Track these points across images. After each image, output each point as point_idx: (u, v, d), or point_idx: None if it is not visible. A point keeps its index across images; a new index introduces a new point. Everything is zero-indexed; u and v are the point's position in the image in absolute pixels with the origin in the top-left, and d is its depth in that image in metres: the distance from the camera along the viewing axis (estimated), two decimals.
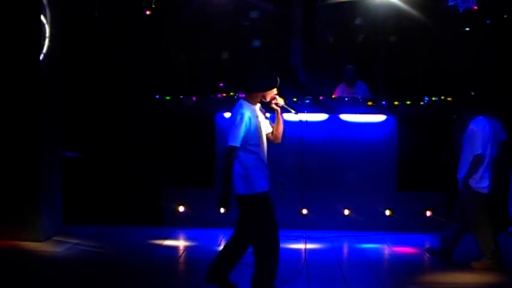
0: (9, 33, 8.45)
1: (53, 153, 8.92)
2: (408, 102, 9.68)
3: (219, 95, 9.71)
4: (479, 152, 7.65)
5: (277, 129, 6.42)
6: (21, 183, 8.50)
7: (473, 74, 9.94)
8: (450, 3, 9.73)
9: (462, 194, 7.80)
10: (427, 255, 8.28)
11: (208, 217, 9.74)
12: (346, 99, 9.79)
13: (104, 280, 7.07)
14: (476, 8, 9.59)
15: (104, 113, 9.92)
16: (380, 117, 9.76)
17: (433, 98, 9.73)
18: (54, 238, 8.69)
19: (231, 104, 9.54)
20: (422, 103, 9.70)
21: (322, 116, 9.68)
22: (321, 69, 11.08)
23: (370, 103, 9.70)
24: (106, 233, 9.23)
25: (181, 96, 9.78)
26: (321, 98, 9.69)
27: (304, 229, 9.25)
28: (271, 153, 9.66)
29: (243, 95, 6.41)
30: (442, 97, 9.74)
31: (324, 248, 8.72)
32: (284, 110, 6.45)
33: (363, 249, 8.73)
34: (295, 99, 9.50)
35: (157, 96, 9.80)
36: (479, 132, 7.72)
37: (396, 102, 9.68)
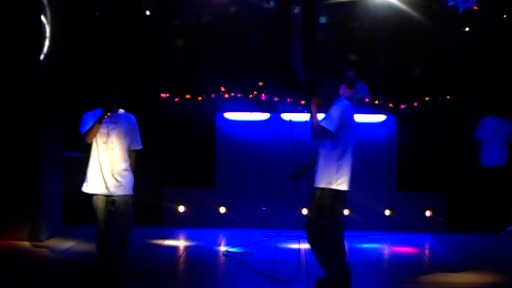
0: (9, 34, 8.45)
1: (53, 153, 8.92)
2: (408, 102, 9.68)
3: (219, 95, 9.71)
4: None
5: None
6: (21, 183, 8.49)
7: (473, 74, 9.94)
8: (450, 3, 9.72)
9: None
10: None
11: (208, 217, 9.75)
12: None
13: (104, 280, 7.07)
14: (476, 8, 9.58)
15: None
16: (380, 117, 9.76)
17: (433, 98, 9.73)
18: (54, 238, 8.69)
19: (231, 104, 9.70)
20: (422, 103, 9.70)
21: (322, 116, 9.64)
22: (320, 69, 11.06)
23: (370, 103, 9.70)
24: None
25: (181, 96, 9.78)
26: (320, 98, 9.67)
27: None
28: (271, 153, 9.77)
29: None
30: (442, 97, 9.74)
31: None
32: None
33: (363, 249, 8.72)
34: (293, 100, 9.50)
35: (158, 96, 9.80)
36: None
37: (396, 103, 9.68)
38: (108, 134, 6.82)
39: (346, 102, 6.61)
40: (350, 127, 6.47)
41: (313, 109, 6.57)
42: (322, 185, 6.41)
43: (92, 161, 6.87)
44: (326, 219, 6.42)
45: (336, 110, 6.43)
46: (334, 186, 6.38)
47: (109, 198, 6.88)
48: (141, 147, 7.07)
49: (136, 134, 7.04)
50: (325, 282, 6.49)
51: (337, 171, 6.36)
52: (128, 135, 6.94)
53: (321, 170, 6.44)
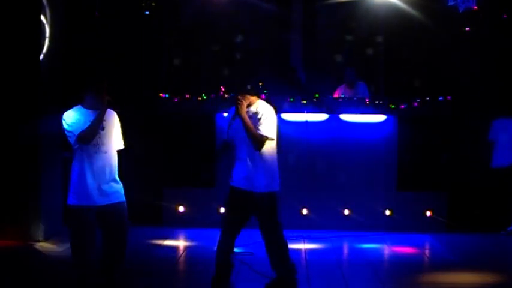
0: (9, 33, 8.45)
1: (53, 153, 8.92)
2: (408, 102, 9.69)
3: (219, 95, 9.71)
4: None
5: None
6: (21, 183, 8.49)
7: (473, 74, 9.95)
8: (450, 3, 9.73)
9: None
10: None
11: (208, 217, 9.74)
12: (346, 99, 9.80)
13: (104, 280, 7.06)
14: (476, 8, 9.59)
15: None
16: (380, 117, 9.76)
17: (433, 98, 9.73)
18: (54, 238, 8.69)
19: (231, 104, 9.68)
20: (422, 103, 9.70)
21: (322, 116, 9.68)
22: (321, 69, 11.08)
23: (370, 103, 9.70)
24: None
25: (181, 96, 9.78)
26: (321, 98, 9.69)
27: (304, 229, 9.29)
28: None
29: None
30: (442, 97, 9.75)
31: (324, 248, 8.72)
32: None
33: (363, 249, 8.73)
34: (293, 99, 9.51)
35: (158, 96, 9.80)
36: None
37: (396, 103, 9.68)
38: (99, 134, 5.87)
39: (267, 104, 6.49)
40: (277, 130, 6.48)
41: (244, 114, 6.22)
42: (267, 190, 6.35)
43: (84, 168, 5.85)
44: (277, 221, 6.40)
45: (268, 115, 6.24)
46: (275, 189, 6.37)
47: (98, 209, 5.88)
48: (123, 146, 6.12)
49: (119, 132, 6.10)
50: (273, 285, 6.46)
51: (275, 173, 6.36)
52: (115, 134, 6.03)
53: (263, 174, 6.32)
